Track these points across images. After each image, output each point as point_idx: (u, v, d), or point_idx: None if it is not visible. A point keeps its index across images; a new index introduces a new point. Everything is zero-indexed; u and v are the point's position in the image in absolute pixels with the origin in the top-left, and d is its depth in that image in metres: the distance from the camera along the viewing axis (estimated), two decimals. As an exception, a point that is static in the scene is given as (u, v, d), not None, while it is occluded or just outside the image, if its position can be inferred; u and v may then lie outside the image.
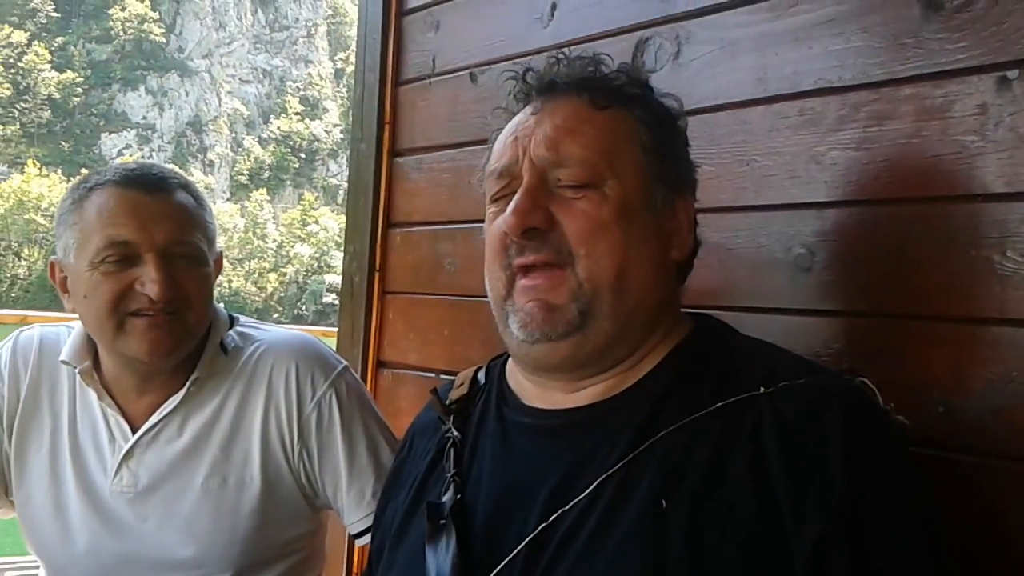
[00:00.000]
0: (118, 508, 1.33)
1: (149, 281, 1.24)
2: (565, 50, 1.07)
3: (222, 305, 1.50)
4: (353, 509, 1.41)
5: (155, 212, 1.27)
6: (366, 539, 1.37)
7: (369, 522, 1.33)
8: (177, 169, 1.48)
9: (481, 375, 1.10)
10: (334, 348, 2.16)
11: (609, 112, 0.97)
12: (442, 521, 0.93)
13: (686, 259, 1.02)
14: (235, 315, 1.48)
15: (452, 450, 0.99)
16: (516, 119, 0.99)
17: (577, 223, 0.92)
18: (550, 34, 1.65)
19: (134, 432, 1.33)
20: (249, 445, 1.35)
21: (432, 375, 1.91)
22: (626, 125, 0.97)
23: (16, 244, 75.91)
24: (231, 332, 1.42)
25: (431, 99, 1.94)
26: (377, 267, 2.01)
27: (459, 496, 0.95)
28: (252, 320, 1.52)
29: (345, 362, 1.46)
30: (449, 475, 0.98)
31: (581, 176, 0.93)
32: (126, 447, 1.33)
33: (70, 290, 1.30)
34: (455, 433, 1.01)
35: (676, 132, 1.04)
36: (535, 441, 0.96)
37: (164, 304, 1.26)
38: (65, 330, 1.41)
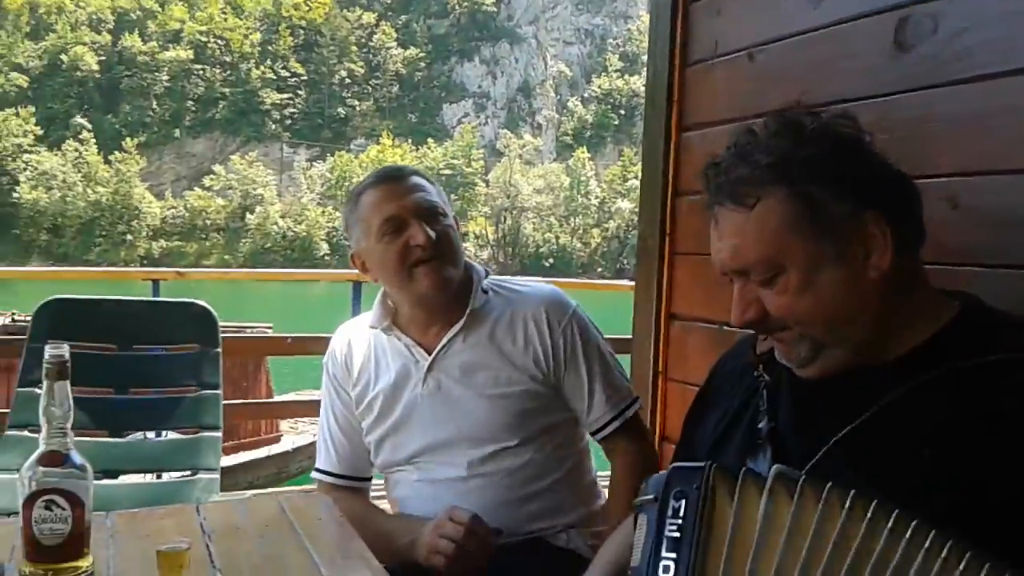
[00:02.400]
0: (429, 405, 1.82)
1: (418, 236, 1.72)
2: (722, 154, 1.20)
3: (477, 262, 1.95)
4: (592, 409, 1.84)
5: (403, 190, 1.77)
6: (602, 434, 1.85)
7: (603, 422, 1.83)
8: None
9: None
10: (632, 302, 2.48)
11: (758, 208, 1.14)
12: (759, 440, 1.22)
13: (896, 262, 1.14)
14: (487, 270, 1.92)
15: (765, 391, 1.26)
16: (711, 229, 1.21)
17: (776, 308, 1.16)
18: (818, 15, 1.82)
19: (429, 354, 1.82)
20: (513, 359, 1.80)
21: (716, 326, 2.15)
22: (776, 212, 1.13)
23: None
24: (487, 280, 1.87)
25: (713, 79, 2.17)
26: (667, 231, 2.30)
27: (772, 424, 1.22)
28: (500, 278, 1.96)
29: (576, 303, 1.88)
30: (763, 408, 1.24)
31: (762, 272, 1.15)
32: (426, 364, 1.82)
33: (369, 267, 1.82)
34: (767, 377, 1.27)
35: (839, 166, 1.15)
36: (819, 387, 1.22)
37: (431, 249, 1.73)
38: (353, 320, 1.97)
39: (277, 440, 9.53)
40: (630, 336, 2.48)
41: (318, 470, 1.96)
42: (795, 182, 1.12)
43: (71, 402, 1.26)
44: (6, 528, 1.43)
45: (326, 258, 77.63)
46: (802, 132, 1.15)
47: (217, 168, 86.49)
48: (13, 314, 6.98)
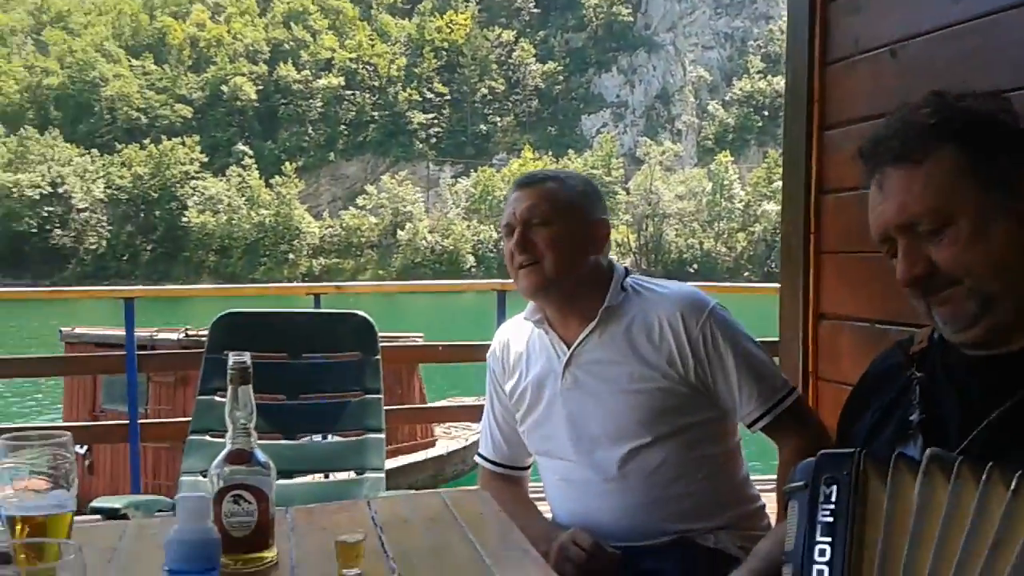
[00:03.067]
0: (567, 400, 1.87)
1: (513, 243, 1.83)
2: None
3: (617, 260, 2.00)
4: (744, 403, 1.82)
5: (524, 197, 1.86)
6: (758, 426, 1.82)
7: (755, 416, 1.81)
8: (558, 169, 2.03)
9: (936, 335, 1.35)
10: (777, 303, 2.46)
11: (927, 163, 1.16)
12: (910, 431, 1.24)
13: None
14: (629, 268, 1.96)
15: (918, 386, 1.28)
16: (871, 197, 1.23)
17: (946, 260, 1.15)
18: (961, 9, 1.79)
19: (568, 348, 1.88)
20: (646, 357, 1.82)
21: (867, 324, 2.12)
22: (945, 164, 1.14)
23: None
24: (628, 280, 1.90)
25: (855, 76, 2.15)
26: (812, 230, 2.28)
27: (923, 416, 1.24)
28: (643, 277, 1.98)
29: (714, 301, 1.87)
30: (915, 401, 1.26)
31: (931, 223, 1.15)
32: (565, 359, 1.87)
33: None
34: (918, 375, 1.29)
35: (1001, 121, 1.18)
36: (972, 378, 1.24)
37: (523, 257, 1.82)
38: (518, 315, 2.04)
39: (432, 444, 9.84)
40: (776, 339, 2.47)
41: (480, 454, 2.09)
42: (961, 136, 1.15)
43: (253, 405, 1.39)
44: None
45: (472, 270, 79.22)
46: (960, 96, 1.20)
47: (369, 188, 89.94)
48: (187, 329, 7.51)
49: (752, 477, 1.97)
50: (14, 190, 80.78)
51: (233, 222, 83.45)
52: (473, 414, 9.20)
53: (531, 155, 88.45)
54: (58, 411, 9.55)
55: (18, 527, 1.11)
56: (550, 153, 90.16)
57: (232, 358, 1.38)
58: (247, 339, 2.69)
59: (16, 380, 14.76)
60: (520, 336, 2.01)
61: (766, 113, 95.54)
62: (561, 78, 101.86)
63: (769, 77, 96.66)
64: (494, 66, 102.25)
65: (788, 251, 2.36)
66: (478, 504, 1.71)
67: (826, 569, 1.06)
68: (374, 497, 2.10)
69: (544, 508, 2.01)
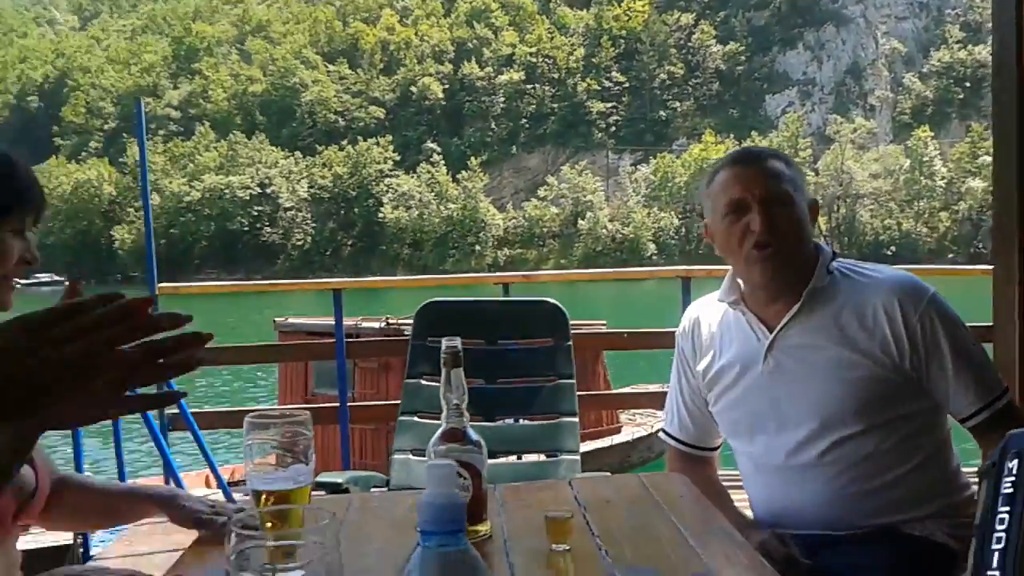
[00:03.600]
0: (768, 383, 1.83)
1: (756, 223, 1.75)
2: None
3: (824, 242, 1.96)
4: (959, 398, 1.74)
5: (753, 174, 1.80)
6: (971, 423, 1.74)
7: (970, 411, 1.73)
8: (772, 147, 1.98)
9: None
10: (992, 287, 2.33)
11: None
12: None
13: None
14: (836, 251, 1.89)
15: None
16: None
17: None
18: None
19: (770, 331, 1.83)
20: (856, 342, 1.75)
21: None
22: None
23: (698, 207, 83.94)
24: (834, 263, 1.83)
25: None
26: (1029, 209, 2.15)
27: None
28: (851, 261, 1.91)
29: (933, 288, 1.77)
30: None
31: None
32: (767, 342, 1.83)
33: (716, 241, 1.88)
34: None
35: None
36: None
37: (767, 237, 1.75)
38: (705, 296, 2.03)
39: (617, 431, 9.88)
40: (990, 324, 2.34)
41: (665, 431, 2.09)
42: None
43: (465, 387, 1.48)
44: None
45: (653, 257, 78.48)
46: None
47: (550, 179, 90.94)
48: (388, 318, 7.89)
49: (964, 468, 1.87)
50: (226, 192, 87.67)
51: (424, 216, 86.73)
52: (658, 401, 9.20)
53: (712, 139, 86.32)
54: (274, 395, 10.29)
55: (263, 499, 1.23)
56: (732, 136, 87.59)
57: (444, 343, 1.47)
58: (448, 326, 2.82)
59: (236, 367, 15.98)
60: (712, 316, 1.98)
61: (968, 85, 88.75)
62: (743, 58, 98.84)
63: (970, 47, 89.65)
64: (673, 51, 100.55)
65: (1000, 230, 2.24)
66: (678, 487, 1.73)
67: (1004, 536, 1.06)
68: (574, 478, 2.16)
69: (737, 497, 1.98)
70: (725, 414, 1.94)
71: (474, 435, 1.46)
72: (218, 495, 4.17)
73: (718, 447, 2.06)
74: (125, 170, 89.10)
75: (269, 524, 1.14)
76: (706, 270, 5.44)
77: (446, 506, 0.75)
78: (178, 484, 4.01)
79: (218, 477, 4.40)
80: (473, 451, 1.44)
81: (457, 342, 1.48)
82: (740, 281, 1.90)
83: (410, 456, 2.70)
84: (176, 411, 4.44)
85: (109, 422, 4.37)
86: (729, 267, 1.92)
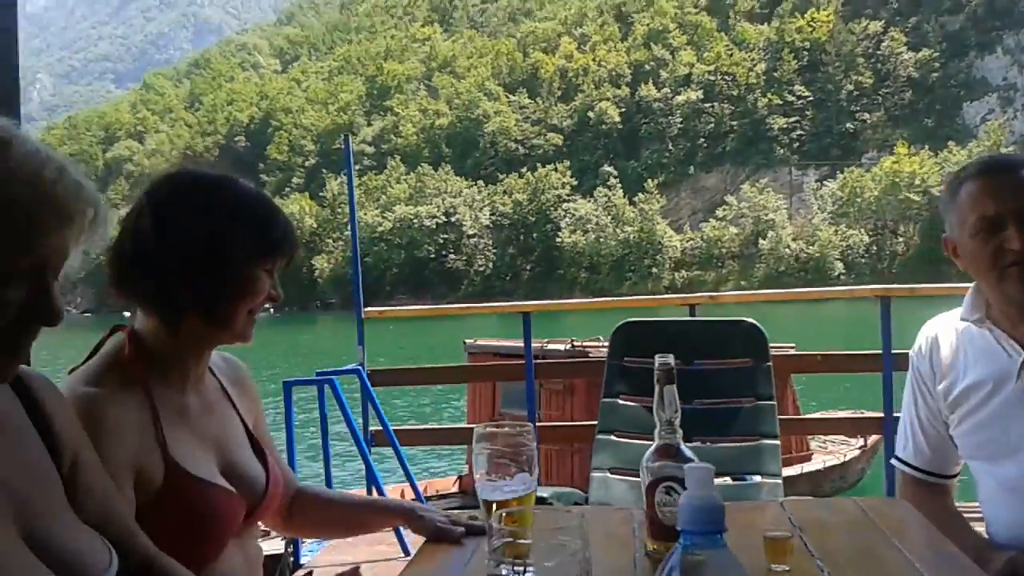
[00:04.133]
0: (1018, 405, 1.71)
1: (1014, 241, 1.62)
2: None
3: None
4: None
5: (1007, 187, 1.67)
6: None
7: None
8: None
9: None
10: None
11: None
12: None
13: None
14: None
15: None
16: None
17: None
18: None
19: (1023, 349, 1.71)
20: None
21: None
22: None
23: (892, 223, 79.65)
24: None
25: None
26: None
27: None
28: None
29: None
30: None
31: None
32: (1020, 360, 1.70)
33: (960, 256, 1.76)
34: None
35: None
36: None
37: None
38: (941, 315, 1.90)
39: (808, 459, 9.48)
40: None
41: (898, 458, 1.97)
42: None
43: (678, 403, 1.48)
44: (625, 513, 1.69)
45: (841, 277, 74.95)
46: None
47: (729, 198, 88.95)
48: (572, 340, 7.97)
49: None
50: (415, 221, 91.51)
51: (601, 240, 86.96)
52: (853, 428, 8.79)
53: (905, 151, 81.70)
54: (463, 414, 10.60)
55: (493, 507, 1.29)
56: (927, 147, 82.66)
57: (658, 359, 1.49)
58: (643, 346, 2.84)
59: (428, 386, 16.56)
60: (951, 335, 1.87)
61: None
62: (937, 65, 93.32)
63: None
64: (860, 60, 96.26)
65: None
66: (899, 512, 1.66)
67: None
68: (785, 500, 2.11)
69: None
70: (969, 436, 1.83)
71: (688, 452, 1.46)
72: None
73: (955, 475, 1.94)
74: (324, 203, 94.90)
75: (508, 528, 1.21)
76: (907, 289, 5.16)
77: (706, 507, 0.79)
78: (381, 495, 4.20)
79: (416, 490, 4.58)
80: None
81: (670, 359, 1.49)
82: (987, 298, 1.80)
83: (608, 474, 2.71)
84: (379, 428, 4.67)
85: (318, 440, 4.66)
86: (936, 285, 1.83)
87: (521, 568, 0.88)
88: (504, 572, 0.90)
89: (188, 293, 1.41)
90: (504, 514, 0.96)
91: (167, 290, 1.41)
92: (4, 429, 1.05)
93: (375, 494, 4.35)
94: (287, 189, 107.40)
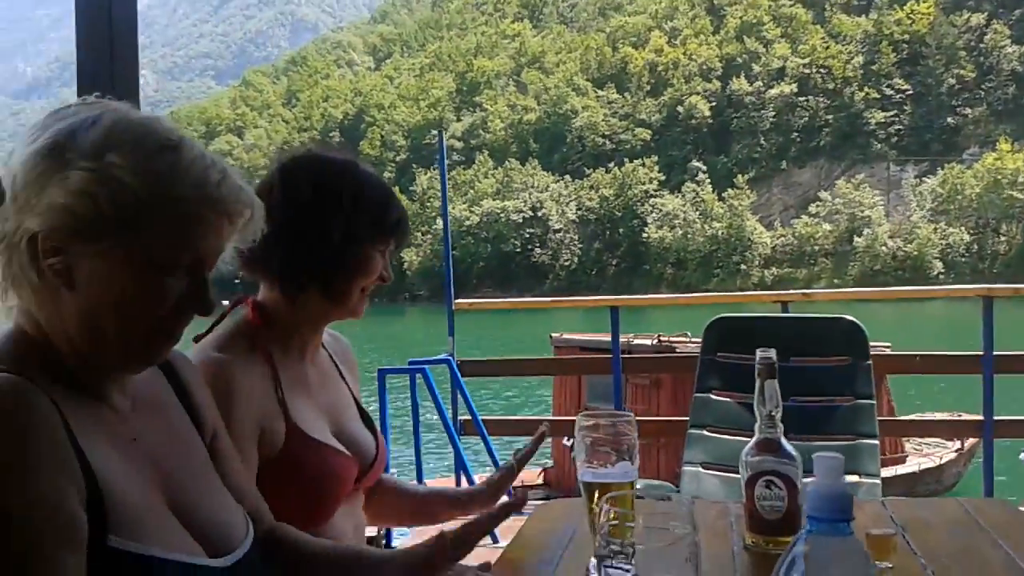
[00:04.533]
0: None
1: None
2: None
3: None
4: None
5: None
6: None
7: None
8: None
9: None
10: None
11: None
12: None
13: None
14: None
15: None
16: None
17: None
18: None
19: None
20: None
21: None
22: None
23: (994, 221, 76.45)
24: None
25: None
26: None
27: None
28: None
29: None
30: None
31: None
32: None
33: None
34: None
35: None
36: None
37: None
38: None
39: (902, 461, 9.23)
40: None
41: None
42: None
43: (779, 398, 1.49)
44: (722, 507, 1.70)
45: (940, 276, 72.23)
46: None
47: (823, 194, 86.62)
48: (659, 335, 7.93)
49: None
50: (502, 215, 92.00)
51: (688, 236, 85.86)
52: (951, 431, 8.53)
53: (1008, 147, 78.08)
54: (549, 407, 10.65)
55: (595, 492, 1.33)
56: (1030, 144, 79.00)
57: (759, 354, 1.50)
58: (738, 342, 2.84)
59: (514, 378, 16.68)
60: None
61: None
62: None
63: None
64: (962, 53, 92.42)
65: None
66: (1003, 512, 1.63)
67: None
68: (884, 499, 2.08)
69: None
70: None
71: (788, 447, 1.46)
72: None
73: None
74: (414, 198, 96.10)
75: (616, 509, 1.25)
76: (1012, 289, 4.98)
77: (833, 495, 0.83)
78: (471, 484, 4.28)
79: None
80: (788, 463, 1.45)
81: (772, 354, 1.49)
82: None
83: (700, 469, 2.72)
84: (468, 417, 4.75)
85: (408, 427, 4.77)
86: None
87: (630, 550, 0.91)
88: (613, 553, 0.92)
89: (310, 268, 1.50)
90: (610, 498, 1.00)
91: (291, 264, 1.50)
92: (156, 407, 1.14)
93: (464, 481, 4.44)
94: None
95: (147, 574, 0.95)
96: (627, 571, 0.91)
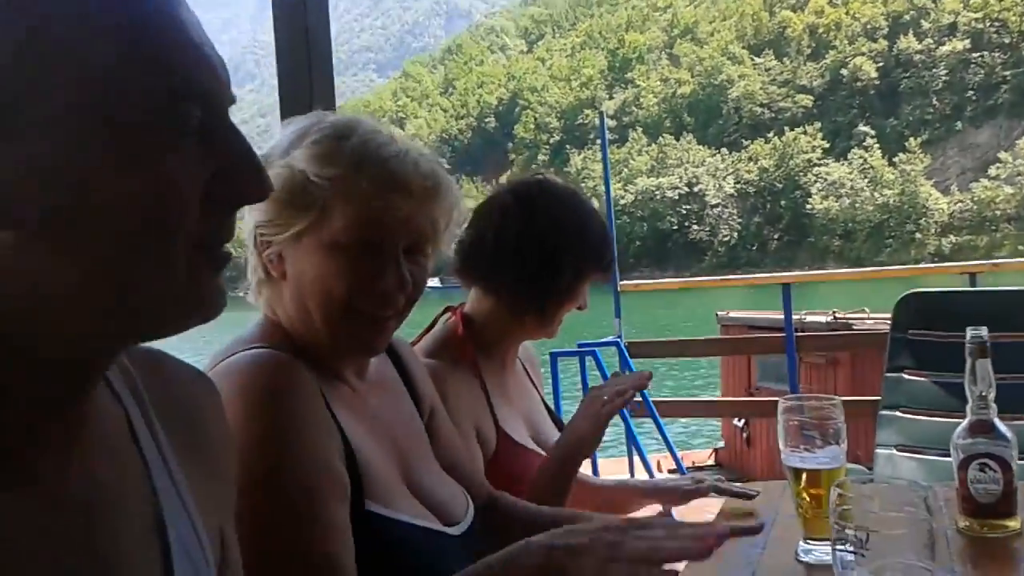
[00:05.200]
0: None
1: None
2: None
3: None
4: None
5: None
6: None
7: None
8: None
9: None
10: None
11: None
12: None
13: None
14: None
15: None
16: None
17: None
18: None
19: None
20: None
21: None
22: None
23: None
24: None
25: None
26: None
27: None
28: None
29: None
30: None
31: None
32: None
33: None
34: None
35: None
36: None
37: None
38: None
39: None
40: None
41: None
42: None
43: (992, 377, 1.42)
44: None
45: None
46: None
47: (1003, 155, 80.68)
48: (835, 312, 7.62)
49: None
50: (656, 193, 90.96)
51: (856, 205, 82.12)
52: None
53: None
54: (716, 387, 10.48)
55: (803, 476, 1.31)
56: None
57: (969, 332, 1.43)
58: (931, 318, 2.71)
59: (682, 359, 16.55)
60: None
61: None
62: None
63: None
64: None
65: None
66: None
67: None
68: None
69: None
70: None
71: (1003, 428, 1.40)
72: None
73: None
74: (568, 178, 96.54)
75: (806, 500, 1.23)
76: None
77: None
78: (646, 466, 4.28)
79: (676, 459, 4.62)
80: (1002, 444, 1.39)
81: (983, 332, 1.43)
82: None
83: (894, 451, 2.61)
84: (638, 398, 4.75)
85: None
86: None
87: (864, 536, 0.92)
88: (848, 537, 0.93)
89: (537, 295, 1.58)
90: (841, 483, 0.99)
91: (519, 287, 1.57)
92: (387, 388, 1.22)
93: (637, 462, 4.45)
94: (533, 165, 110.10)
95: (398, 537, 1.02)
96: (862, 555, 0.92)
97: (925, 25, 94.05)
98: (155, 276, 0.54)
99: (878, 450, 2.64)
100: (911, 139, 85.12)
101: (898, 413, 2.67)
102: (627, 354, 4.83)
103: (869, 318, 7.07)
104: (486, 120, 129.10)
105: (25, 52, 0.49)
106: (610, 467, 5.18)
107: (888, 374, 2.75)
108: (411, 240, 1.07)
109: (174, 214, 0.54)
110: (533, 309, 1.60)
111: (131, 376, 0.66)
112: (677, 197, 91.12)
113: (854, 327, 6.89)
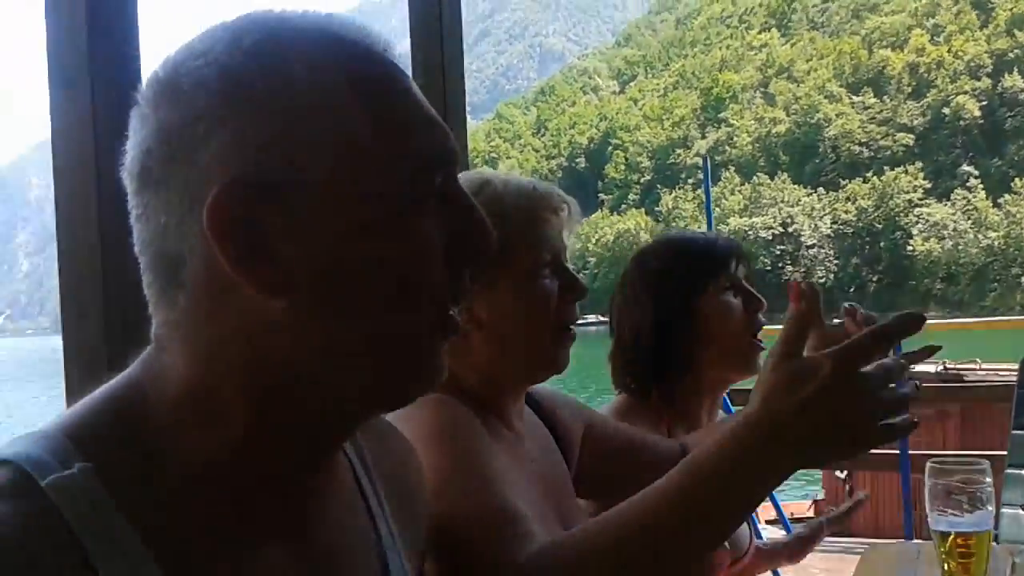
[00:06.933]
0: None
1: None
2: None
3: None
4: None
5: None
6: None
7: None
8: None
9: None
10: None
11: None
12: None
13: None
14: None
15: None
16: None
17: None
18: None
19: None
20: None
21: None
22: None
23: None
24: None
25: None
26: None
27: None
28: None
29: None
30: None
31: None
32: None
33: None
34: None
35: None
36: None
37: None
38: None
39: None
40: None
41: None
42: None
43: None
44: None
45: None
46: None
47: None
48: (944, 363, 7.37)
49: None
50: (749, 232, 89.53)
51: (959, 247, 79.21)
52: None
53: None
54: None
55: (950, 539, 1.31)
56: None
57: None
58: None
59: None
60: None
61: None
62: None
63: None
64: None
65: None
66: None
67: None
68: None
69: None
70: None
71: None
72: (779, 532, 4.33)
73: None
74: (659, 218, 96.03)
75: (951, 564, 1.24)
76: None
77: None
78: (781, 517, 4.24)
79: (778, 510, 4.55)
80: None
81: None
82: None
83: (1020, 511, 2.55)
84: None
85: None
86: None
87: None
88: None
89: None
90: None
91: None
92: (542, 445, 1.24)
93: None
94: (623, 206, 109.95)
95: None
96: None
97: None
98: (406, 339, 0.58)
99: (1004, 510, 2.58)
100: (1016, 180, 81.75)
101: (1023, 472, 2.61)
102: (728, 401, 4.80)
103: (980, 369, 6.83)
104: (577, 160, 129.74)
105: (295, 131, 0.54)
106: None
107: (1015, 432, 2.70)
108: (565, 253, 1.17)
109: (426, 274, 0.58)
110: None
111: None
112: (771, 237, 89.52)
113: (965, 378, 6.67)
